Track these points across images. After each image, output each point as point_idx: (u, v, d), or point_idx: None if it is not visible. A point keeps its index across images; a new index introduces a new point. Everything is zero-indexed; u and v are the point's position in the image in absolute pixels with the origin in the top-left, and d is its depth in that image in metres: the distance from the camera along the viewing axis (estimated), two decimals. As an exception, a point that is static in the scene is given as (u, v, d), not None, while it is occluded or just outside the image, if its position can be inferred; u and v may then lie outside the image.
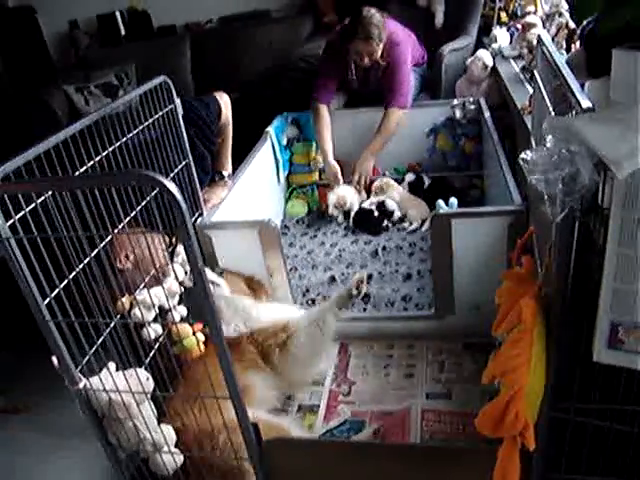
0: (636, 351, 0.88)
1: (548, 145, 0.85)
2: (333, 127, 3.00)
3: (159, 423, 1.41)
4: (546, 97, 1.37)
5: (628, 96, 0.88)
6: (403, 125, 2.93)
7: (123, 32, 4.62)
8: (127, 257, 1.77)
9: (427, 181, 2.96)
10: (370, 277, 2.40)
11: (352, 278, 1.89)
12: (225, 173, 2.42)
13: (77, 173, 1.40)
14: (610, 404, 0.99)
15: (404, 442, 1.63)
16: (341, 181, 2.92)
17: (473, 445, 1.47)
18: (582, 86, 1.20)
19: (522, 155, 0.89)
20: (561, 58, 1.28)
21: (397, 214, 2.81)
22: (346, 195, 2.84)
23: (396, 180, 2.99)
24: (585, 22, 1.27)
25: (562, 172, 0.81)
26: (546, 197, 0.86)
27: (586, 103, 0.94)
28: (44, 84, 3.97)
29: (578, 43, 2.09)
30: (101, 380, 1.31)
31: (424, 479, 1.26)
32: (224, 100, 2.36)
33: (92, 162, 1.44)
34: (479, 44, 3.37)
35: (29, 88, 4.05)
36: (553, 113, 1.23)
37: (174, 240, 1.81)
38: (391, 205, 2.81)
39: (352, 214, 2.86)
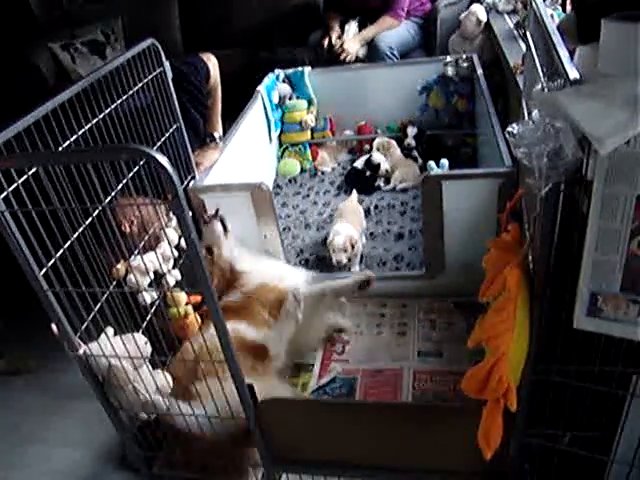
0: (613, 319, 0.91)
1: (534, 119, 0.86)
2: (334, 87, 3.13)
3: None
4: (537, 60, 1.37)
5: (616, 68, 0.88)
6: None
7: (107, -16, 4.46)
8: (132, 222, 1.79)
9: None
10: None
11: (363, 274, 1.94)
12: (216, 135, 2.41)
13: (68, 142, 1.40)
14: (589, 367, 1.03)
15: (394, 401, 1.69)
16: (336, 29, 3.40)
17: (460, 404, 1.53)
18: (572, 52, 1.20)
19: (509, 128, 0.90)
20: (552, 22, 1.27)
21: (384, 167, 2.80)
22: (353, 235, 2.24)
23: (394, 138, 2.98)
24: (577, -14, 1.26)
25: (547, 147, 0.82)
26: (536, 170, 0.88)
27: (573, 74, 0.94)
28: (28, 41, 3.85)
29: (569, 6, 2.06)
30: (100, 346, 1.35)
31: (413, 436, 1.32)
32: (212, 62, 2.33)
33: (82, 130, 1.44)
34: (474, -2, 3.30)
35: (12, 45, 3.94)
36: (543, 77, 1.23)
37: (167, 205, 1.82)
38: (377, 158, 2.80)
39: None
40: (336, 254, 2.19)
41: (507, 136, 0.90)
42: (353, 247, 2.20)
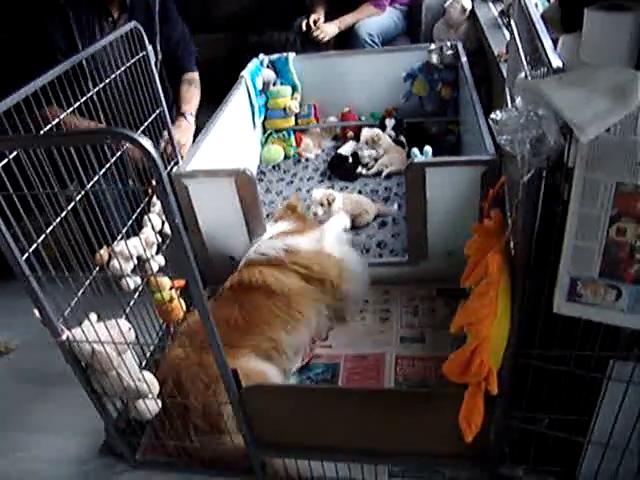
0: (592, 304, 0.93)
1: (517, 106, 0.87)
2: (318, 73, 3.13)
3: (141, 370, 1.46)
4: (520, 48, 1.38)
5: (598, 57, 0.89)
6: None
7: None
8: None
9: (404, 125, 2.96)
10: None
11: None
12: (188, 114, 2.42)
13: (50, 125, 1.38)
14: (567, 351, 1.06)
15: (377, 387, 1.71)
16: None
17: (442, 388, 1.55)
18: (556, 41, 1.21)
19: (492, 115, 0.91)
20: (536, 11, 1.28)
21: (371, 164, 2.81)
22: (332, 192, 2.41)
23: (373, 125, 2.97)
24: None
25: (529, 134, 0.83)
26: (518, 157, 0.89)
27: (556, 62, 0.96)
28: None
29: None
30: (83, 331, 1.35)
31: (395, 420, 1.33)
32: None
33: (64, 114, 1.42)
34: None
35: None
36: (526, 65, 1.25)
37: (150, 191, 1.81)
38: (365, 156, 2.81)
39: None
40: (313, 206, 2.36)
41: (490, 123, 0.90)
42: (330, 204, 2.34)
